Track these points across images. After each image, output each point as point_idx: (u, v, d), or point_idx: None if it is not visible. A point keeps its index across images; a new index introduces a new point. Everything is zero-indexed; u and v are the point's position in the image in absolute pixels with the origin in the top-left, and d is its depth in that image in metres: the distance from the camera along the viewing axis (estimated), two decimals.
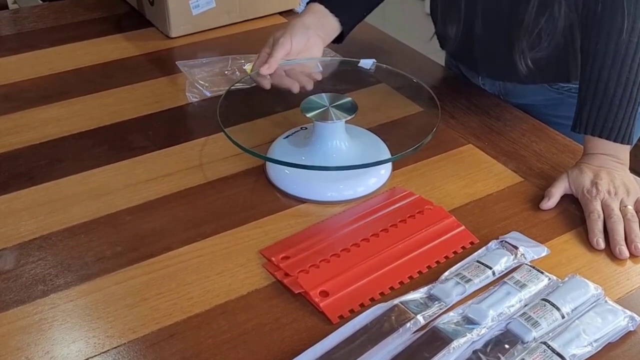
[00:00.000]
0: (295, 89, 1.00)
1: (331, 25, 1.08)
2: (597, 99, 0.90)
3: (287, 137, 0.96)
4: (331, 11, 1.07)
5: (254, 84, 1.10)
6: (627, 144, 0.91)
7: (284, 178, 0.91)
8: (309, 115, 0.90)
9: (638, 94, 0.89)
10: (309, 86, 1.00)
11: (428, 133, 0.91)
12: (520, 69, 1.01)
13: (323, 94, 0.93)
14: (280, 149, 0.94)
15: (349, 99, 0.93)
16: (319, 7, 1.07)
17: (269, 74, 1.00)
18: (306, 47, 1.04)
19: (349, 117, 0.91)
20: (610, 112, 0.89)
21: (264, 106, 1.09)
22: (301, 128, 0.98)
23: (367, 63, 1.07)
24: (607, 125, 0.90)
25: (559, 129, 1.05)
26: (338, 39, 1.12)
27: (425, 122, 1.04)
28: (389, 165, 0.95)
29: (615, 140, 0.90)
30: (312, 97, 0.93)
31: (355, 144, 0.93)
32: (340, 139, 0.92)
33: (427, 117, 1.04)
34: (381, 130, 1.01)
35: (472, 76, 1.19)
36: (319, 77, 1.03)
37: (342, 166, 0.89)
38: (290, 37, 1.02)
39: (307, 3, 1.10)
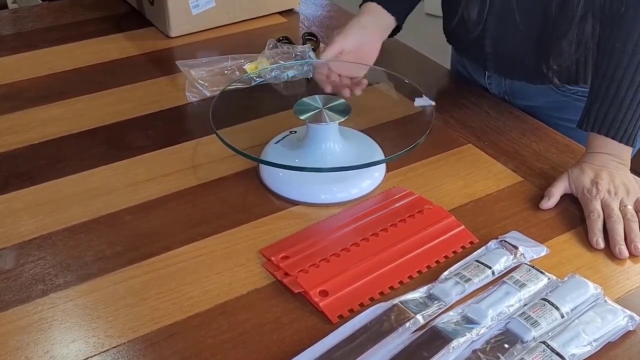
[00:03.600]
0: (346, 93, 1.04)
1: (387, 23, 1.10)
2: (608, 98, 0.90)
3: (278, 141, 0.96)
4: (386, 9, 1.09)
5: (253, 84, 1.10)
6: (631, 145, 0.91)
7: (278, 180, 0.91)
8: (302, 117, 0.90)
9: None
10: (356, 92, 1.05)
11: (423, 133, 0.91)
12: (538, 73, 1.02)
13: (316, 96, 0.93)
14: (273, 151, 0.94)
15: (343, 100, 0.93)
16: (374, 6, 1.09)
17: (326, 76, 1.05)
18: (362, 44, 1.06)
19: (343, 119, 0.90)
20: (620, 112, 0.89)
21: (260, 107, 1.09)
22: (290, 132, 0.98)
23: (425, 102, 1.01)
24: (614, 124, 0.90)
25: (564, 132, 1.05)
26: (393, 33, 1.14)
27: (420, 122, 1.04)
28: (383, 167, 0.95)
29: (620, 141, 0.90)
30: (305, 99, 0.93)
31: (349, 146, 0.93)
32: (334, 140, 0.92)
33: (422, 118, 1.04)
34: (376, 132, 1.01)
35: (478, 75, 1.19)
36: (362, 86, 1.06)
37: (335, 167, 0.89)
38: (345, 36, 1.05)
39: (361, 4, 1.12)
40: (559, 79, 1.04)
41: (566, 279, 0.76)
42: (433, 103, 0.98)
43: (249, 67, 1.16)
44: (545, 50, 1.01)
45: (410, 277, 0.78)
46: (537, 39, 1.01)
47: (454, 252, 0.82)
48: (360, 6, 1.11)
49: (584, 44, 0.99)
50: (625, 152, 0.91)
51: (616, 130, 0.90)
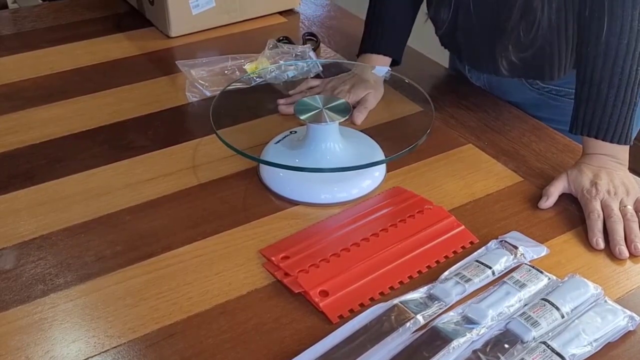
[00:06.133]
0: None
1: (385, 63, 1.14)
2: (591, 101, 0.90)
3: (278, 141, 0.96)
4: (383, 54, 1.13)
5: (253, 84, 1.10)
6: (624, 144, 0.91)
7: (278, 180, 0.91)
8: (302, 117, 0.90)
9: (633, 95, 0.89)
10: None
11: (424, 133, 0.91)
12: (500, 65, 1.03)
13: (317, 96, 0.93)
14: (273, 151, 0.94)
15: (343, 100, 0.93)
16: (371, 58, 1.13)
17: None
18: (363, 99, 1.09)
19: (343, 119, 0.90)
20: (605, 114, 0.90)
21: (260, 107, 1.09)
22: (290, 132, 0.98)
23: (381, 71, 1.09)
24: (602, 126, 0.90)
25: None
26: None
27: (421, 122, 1.04)
28: (383, 167, 0.95)
29: (611, 141, 0.90)
30: (305, 99, 0.93)
31: (349, 146, 0.93)
32: (334, 140, 0.92)
33: (423, 118, 1.04)
34: (376, 132, 1.01)
35: (462, 67, 1.20)
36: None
37: (335, 168, 0.89)
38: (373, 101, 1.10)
39: (358, 55, 1.15)
40: (516, 72, 1.05)
41: (566, 279, 0.76)
42: (388, 69, 1.07)
43: (249, 67, 1.16)
44: (502, 40, 1.01)
45: (410, 277, 0.78)
46: (491, 30, 1.02)
47: (454, 252, 0.82)
48: (358, 56, 1.15)
49: (543, 36, 0.99)
50: (622, 152, 0.91)
51: (605, 132, 0.90)
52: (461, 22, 1.06)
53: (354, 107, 1.06)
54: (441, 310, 0.72)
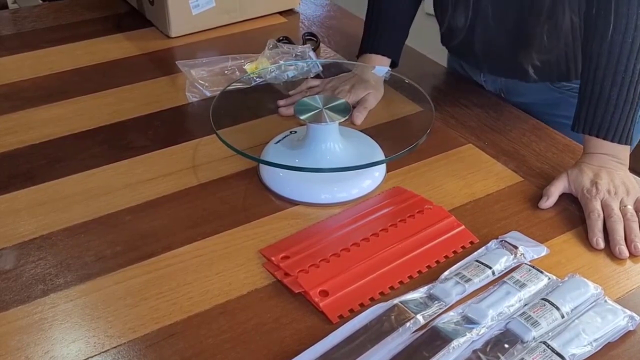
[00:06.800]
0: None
1: (385, 64, 1.14)
2: (594, 99, 0.90)
3: (278, 141, 0.96)
4: (382, 54, 1.13)
5: (253, 84, 1.10)
6: (626, 144, 0.91)
7: (278, 180, 0.91)
8: (302, 117, 0.90)
9: (635, 94, 0.89)
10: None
11: (424, 133, 0.91)
12: (527, 70, 1.03)
13: (316, 96, 0.93)
14: (273, 151, 0.94)
15: (343, 100, 0.93)
16: (370, 58, 1.13)
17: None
18: (363, 99, 1.09)
19: (343, 119, 0.90)
20: (607, 113, 0.90)
21: (260, 107, 1.09)
22: (290, 132, 0.98)
23: (381, 71, 1.09)
24: (604, 125, 0.90)
25: (558, 129, 1.05)
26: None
27: (421, 122, 1.04)
28: (383, 167, 0.95)
29: (612, 140, 0.90)
30: (305, 99, 0.93)
31: (349, 146, 0.93)
32: (334, 140, 0.92)
33: (423, 118, 1.04)
34: (376, 132, 1.01)
35: (474, 73, 1.19)
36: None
37: (335, 168, 0.89)
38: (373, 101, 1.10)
39: (358, 55, 1.16)
40: (540, 75, 1.05)
41: (566, 279, 0.76)
42: (388, 70, 1.08)
43: (249, 67, 1.16)
44: (525, 45, 1.01)
45: (410, 277, 0.78)
46: (514, 36, 1.02)
47: (454, 252, 0.82)
48: (358, 56, 1.15)
49: (565, 37, 1.00)
50: (622, 152, 0.91)
51: (607, 131, 0.90)
52: (479, 30, 1.06)
53: (354, 107, 1.06)
54: (441, 310, 0.72)
